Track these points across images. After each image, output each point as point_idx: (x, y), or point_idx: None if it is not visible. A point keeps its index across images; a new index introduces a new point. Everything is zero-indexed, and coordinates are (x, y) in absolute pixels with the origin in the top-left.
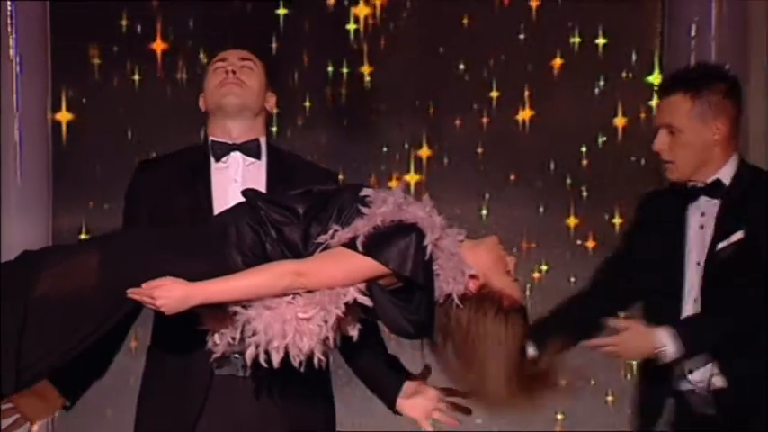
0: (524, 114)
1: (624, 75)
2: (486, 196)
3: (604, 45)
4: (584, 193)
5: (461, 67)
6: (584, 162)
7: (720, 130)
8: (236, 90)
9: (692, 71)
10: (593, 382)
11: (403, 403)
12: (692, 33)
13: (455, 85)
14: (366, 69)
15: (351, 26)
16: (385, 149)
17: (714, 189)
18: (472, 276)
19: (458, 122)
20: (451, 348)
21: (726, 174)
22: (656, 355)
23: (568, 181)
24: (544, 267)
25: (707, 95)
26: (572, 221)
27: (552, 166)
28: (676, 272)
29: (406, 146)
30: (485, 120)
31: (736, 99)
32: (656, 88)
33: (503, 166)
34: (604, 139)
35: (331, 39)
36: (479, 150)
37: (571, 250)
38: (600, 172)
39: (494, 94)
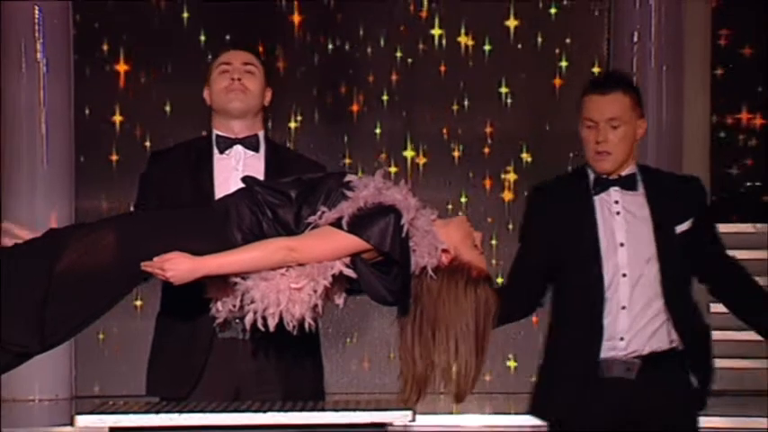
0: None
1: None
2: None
3: (560, 52)
4: None
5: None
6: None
7: (642, 128)
8: (240, 96)
9: (619, 74)
10: None
11: None
12: (635, 40)
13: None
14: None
15: None
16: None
17: (631, 182)
18: (444, 250)
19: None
20: (422, 314)
21: (633, 168)
22: None
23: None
24: None
25: (638, 95)
26: None
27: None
28: (591, 255)
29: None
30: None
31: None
32: (589, 89)
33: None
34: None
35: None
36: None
37: None
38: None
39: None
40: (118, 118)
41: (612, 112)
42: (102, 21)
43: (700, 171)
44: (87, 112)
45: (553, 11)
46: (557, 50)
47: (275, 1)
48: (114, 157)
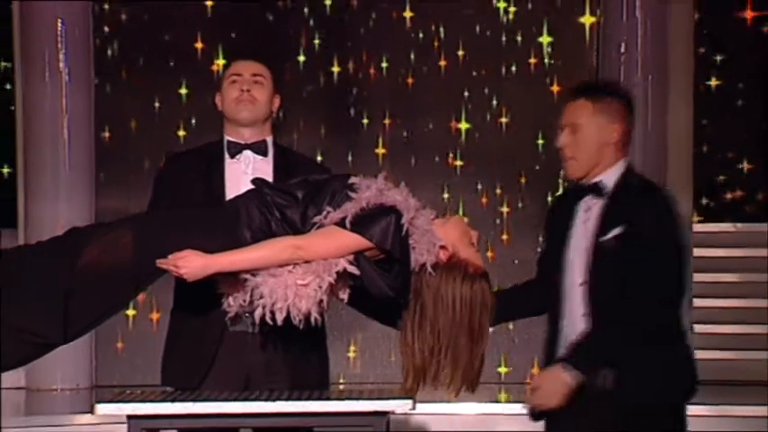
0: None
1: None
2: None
3: (551, 62)
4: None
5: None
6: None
7: (616, 133)
8: (249, 107)
9: (596, 84)
10: None
11: None
12: (622, 50)
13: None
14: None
15: None
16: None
17: (597, 189)
18: (442, 248)
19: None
20: (422, 309)
21: (611, 176)
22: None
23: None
24: None
25: (606, 101)
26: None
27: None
28: (559, 264)
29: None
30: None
31: (630, 112)
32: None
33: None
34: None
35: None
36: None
37: None
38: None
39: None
40: (134, 124)
41: (571, 117)
42: (120, 33)
43: (683, 174)
44: (107, 118)
45: (545, 23)
46: (549, 61)
47: (286, 21)
48: (131, 161)
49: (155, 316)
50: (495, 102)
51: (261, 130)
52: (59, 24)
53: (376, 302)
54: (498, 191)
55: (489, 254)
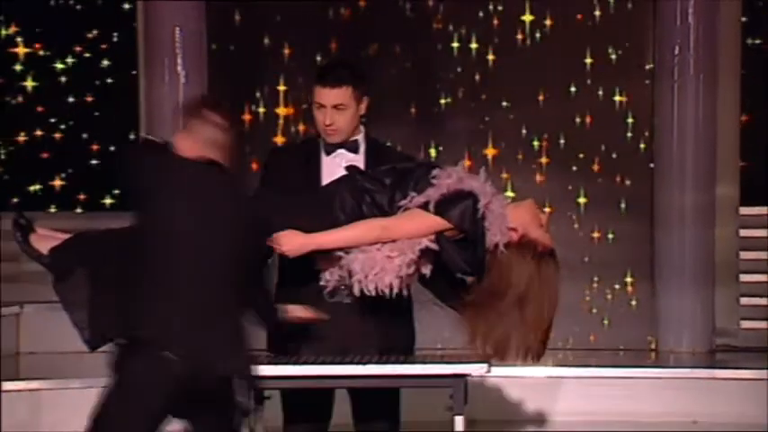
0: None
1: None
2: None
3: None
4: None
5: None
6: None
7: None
8: (334, 135)
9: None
10: None
11: None
12: (676, 52)
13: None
14: None
15: None
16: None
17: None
18: (514, 229)
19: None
20: (496, 284)
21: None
22: None
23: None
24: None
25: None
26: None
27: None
28: None
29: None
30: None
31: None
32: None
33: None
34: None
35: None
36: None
37: None
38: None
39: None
40: (247, 116)
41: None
42: (232, 39)
43: (731, 163)
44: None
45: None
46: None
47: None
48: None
49: None
50: (573, 93)
51: (350, 135)
52: (177, 32)
53: (443, 285)
54: (571, 186)
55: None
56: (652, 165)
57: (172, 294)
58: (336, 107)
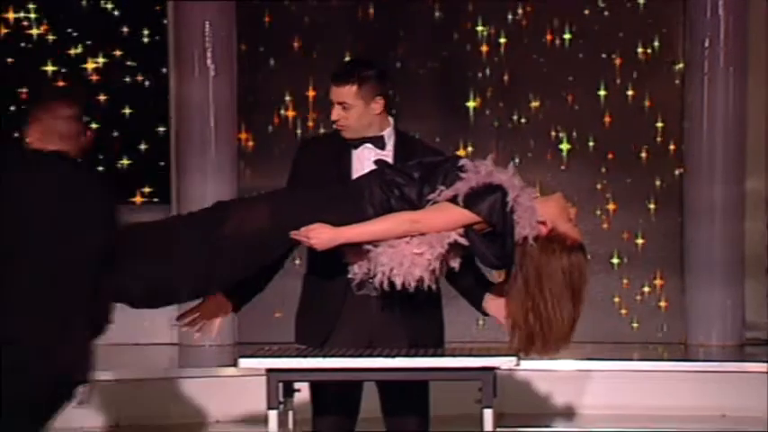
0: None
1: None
2: None
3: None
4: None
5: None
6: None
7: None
8: (344, 131)
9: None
10: None
11: (487, 306)
12: (706, 45)
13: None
14: None
15: None
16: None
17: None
18: (542, 223)
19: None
20: (524, 277)
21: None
22: None
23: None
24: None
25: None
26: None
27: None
28: None
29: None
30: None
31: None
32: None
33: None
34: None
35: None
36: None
37: None
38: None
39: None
40: (285, 113)
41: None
42: (261, 32)
43: (760, 152)
44: (248, 105)
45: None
46: (641, 55)
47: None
48: (270, 143)
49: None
50: (602, 87)
51: (370, 130)
52: (207, 26)
53: (467, 283)
54: (604, 181)
55: (604, 227)
56: (682, 160)
57: (4, 289)
58: (342, 105)
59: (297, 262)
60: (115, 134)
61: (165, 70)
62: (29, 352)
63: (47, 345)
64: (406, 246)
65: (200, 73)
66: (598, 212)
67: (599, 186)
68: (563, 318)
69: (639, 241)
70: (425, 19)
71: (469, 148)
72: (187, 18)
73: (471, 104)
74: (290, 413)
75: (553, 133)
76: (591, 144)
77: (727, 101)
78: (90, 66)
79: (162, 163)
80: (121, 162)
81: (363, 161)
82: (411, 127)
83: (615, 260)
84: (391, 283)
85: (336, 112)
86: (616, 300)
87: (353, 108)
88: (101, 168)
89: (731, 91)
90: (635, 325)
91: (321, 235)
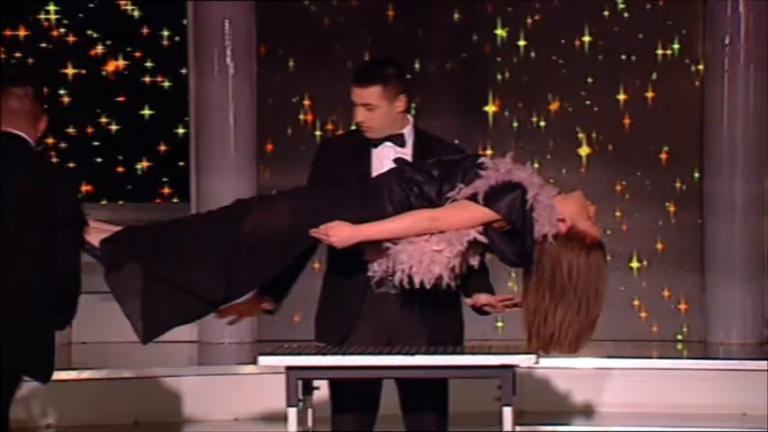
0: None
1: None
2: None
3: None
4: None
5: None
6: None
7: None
8: (368, 132)
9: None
10: None
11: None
12: (726, 42)
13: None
14: None
15: None
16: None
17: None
18: (561, 221)
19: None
20: (543, 274)
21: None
22: None
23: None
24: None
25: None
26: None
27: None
28: None
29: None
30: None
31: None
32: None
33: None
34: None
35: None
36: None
37: None
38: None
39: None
40: (307, 113)
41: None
42: (280, 32)
43: None
44: (267, 106)
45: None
46: (661, 56)
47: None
48: (288, 142)
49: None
50: (621, 89)
51: (392, 128)
52: (227, 25)
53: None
54: (623, 182)
55: (624, 227)
56: (701, 158)
57: None
58: (366, 106)
59: (315, 266)
60: (135, 135)
61: (184, 71)
62: None
63: None
64: (426, 243)
65: (220, 72)
66: (618, 213)
67: (618, 188)
68: (583, 316)
69: (659, 241)
70: (445, 20)
71: (489, 150)
72: (207, 17)
73: (490, 107)
74: (310, 411)
75: (572, 135)
76: (610, 145)
77: (748, 98)
78: (110, 67)
79: (182, 163)
80: (141, 164)
81: (383, 159)
82: (430, 128)
83: (635, 260)
84: (410, 281)
85: (362, 114)
86: (636, 300)
87: (378, 108)
88: (120, 170)
89: (752, 88)
90: (654, 323)
91: (341, 233)
